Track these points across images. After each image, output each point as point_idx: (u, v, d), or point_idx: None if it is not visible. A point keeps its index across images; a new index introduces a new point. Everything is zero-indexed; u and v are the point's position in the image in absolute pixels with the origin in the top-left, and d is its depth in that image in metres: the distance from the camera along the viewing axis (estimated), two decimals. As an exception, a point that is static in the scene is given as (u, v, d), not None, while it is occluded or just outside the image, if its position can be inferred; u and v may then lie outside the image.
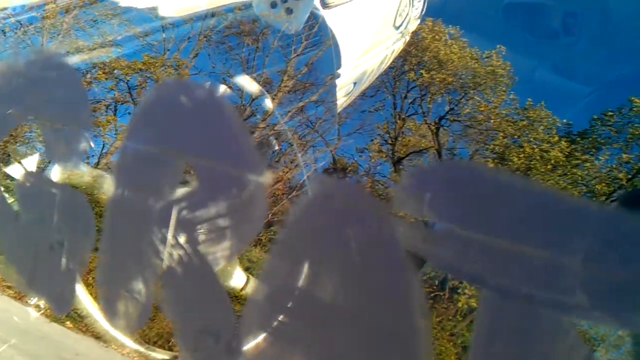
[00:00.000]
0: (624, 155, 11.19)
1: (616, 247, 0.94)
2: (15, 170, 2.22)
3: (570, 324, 0.98)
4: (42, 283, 2.06)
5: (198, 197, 1.69)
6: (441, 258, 1.17)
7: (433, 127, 12.64)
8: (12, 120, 2.16)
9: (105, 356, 6.73)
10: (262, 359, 1.45)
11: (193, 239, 1.69)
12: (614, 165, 11.28)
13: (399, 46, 7.59)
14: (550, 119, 11.81)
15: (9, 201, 2.18)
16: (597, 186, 11.12)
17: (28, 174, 2.11)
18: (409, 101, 13.22)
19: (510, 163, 11.48)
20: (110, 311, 1.90)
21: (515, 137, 11.89)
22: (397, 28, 6.78)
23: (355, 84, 5.58)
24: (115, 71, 12.15)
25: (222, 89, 2.08)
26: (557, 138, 11.46)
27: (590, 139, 11.70)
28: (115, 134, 11.95)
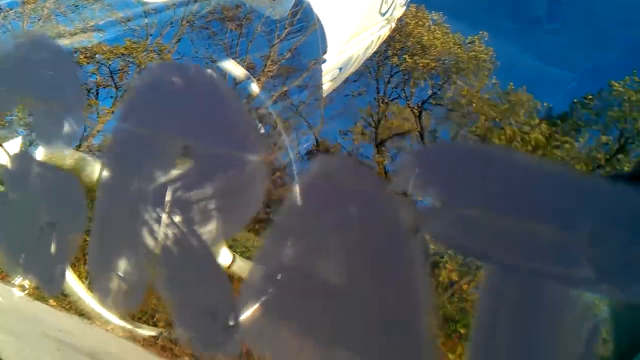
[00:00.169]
0: (603, 137, 11.38)
1: (623, 219, 0.99)
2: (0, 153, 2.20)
3: (576, 297, 1.02)
4: (32, 264, 2.07)
5: (194, 177, 1.70)
6: (446, 236, 1.21)
7: (416, 111, 12.70)
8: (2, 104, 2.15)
9: (89, 333, 6.70)
10: (260, 337, 1.48)
11: (189, 219, 1.71)
12: (593, 147, 11.47)
13: (385, 32, 7.60)
14: (531, 103, 11.93)
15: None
16: (576, 166, 11.31)
17: (16, 155, 2.11)
18: (392, 86, 13.26)
19: (486, 144, 11.58)
20: (103, 292, 1.92)
21: (497, 120, 11.99)
22: (383, 14, 6.79)
23: (340, 69, 5.59)
24: (97, 56, 11.98)
25: (208, 70, 2.10)
26: (537, 121, 11.59)
27: (571, 121, 11.87)
28: (96, 117, 11.82)
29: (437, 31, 12.46)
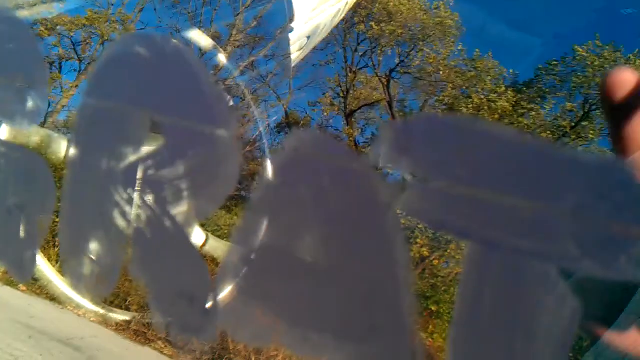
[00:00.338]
0: (568, 104, 11.58)
1: (607, 195, 0.93)
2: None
3: (558, 274, 0.97)
4: (1, 249, 1.93)
5: (165, 155, 1.60)
6: (425, 212, 1.13)
7: (384, 80, 12.64)
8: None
9: (61, 318, 6.60)
10: (237, 321, 1.40)
11: (161, 199, 1.60)
12: (558, 114, 11.67)
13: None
14: (497, 70, 12.01)
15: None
16: (542, 134, 11.50)
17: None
18: (360, 54, 13.15)
19: (459, 114, 11.66)
20: (75, 278, 1.80)
21: (464, 88, 12.06)
22: (351, -21, 6.63)
23: (308, 37, 5.45)
24: (58, 27, 11.53)
25: (175, 41, 1.95)
26: (504, 88, 11.69)
27: (536, 88, 12.02)
28: (60, 91, 11.45)
29: (403, -4, 12.36)
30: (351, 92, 13.12)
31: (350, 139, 12.51)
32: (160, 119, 1.61)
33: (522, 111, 11.58)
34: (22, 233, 1.90)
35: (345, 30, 12.94)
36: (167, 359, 6.59)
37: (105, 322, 6.46)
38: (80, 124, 1.81)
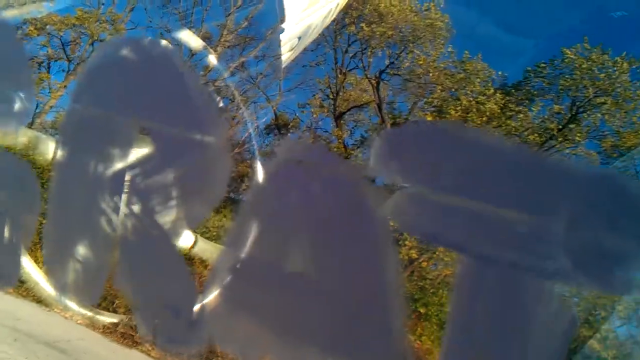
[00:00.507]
0: (556, 107, 11.63)
1: (600, 211, 0.94)
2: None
3: (553, 288, 0.98)
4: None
5: (154, 162, 1.58)
6: (418, 224, 1.14)
7: (374, 82, 12.63)
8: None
9: (48, 321, 6.54)
10: (226, 330, 1.39)
11: (149, 207, 1.59)
12: (546, 116, 11.72)
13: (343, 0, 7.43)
14: (486, 72, 12.05)
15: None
16: (530, 137, 11.56)
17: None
18: (350, 55, 13.12)
19: (448, 116, 11.71)
20: (60, 284, 1.78)
21: (453, 90, 12.09)
22: (342, -20, 6.61)
23: (299, 38, 5.45)
24: (47, 27, 11.39)
25: (164, 43, 1.96)
26: (492, 90, 11.74)
27: (524, 90, 12.07)
28: (49, 92, 11.31)
29: (393, -3, 12.37)
30: (341, 93, 13.10)
31: (340, 141, 12.49)
32: (149, 126, 1.61)
33: (510, 113, 11.63)
34: (6, 238, 1.89)
35: (336, 31, 12.93)
36: (154, 361, 6.55)
37: (92, 324, 6.41)
38: (68, 129, 1.81)
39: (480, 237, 0.95)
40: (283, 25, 5.29)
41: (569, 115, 11.37)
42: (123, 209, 1.49)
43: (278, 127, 13.24)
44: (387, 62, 12.64)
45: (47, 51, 12.00)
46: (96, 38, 11.22)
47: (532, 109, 11.83)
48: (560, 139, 11.34)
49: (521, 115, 11.69)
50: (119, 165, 1.48)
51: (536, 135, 11.51)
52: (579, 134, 11.34)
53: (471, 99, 11.62)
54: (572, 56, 11.32)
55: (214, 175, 1.39)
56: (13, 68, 1.73)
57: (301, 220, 1.23)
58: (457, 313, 1.02)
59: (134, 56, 1.49)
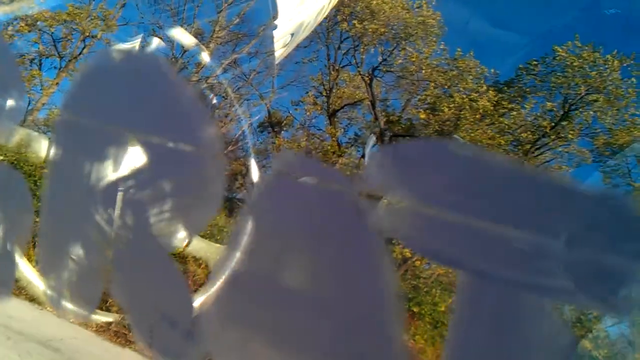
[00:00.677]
0: (548, 104, 11.70)
1: (601, 229, 0.94)
2: None
3: (552, 308, 0.98)
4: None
5: (147, 175, 1.58)
6: (416, 240, 1.14)
7: (367, 78, 12.64)
8: None
9: (41, 319, 6.51)
10: (223, 346, 1.39)
11: (143, 221, 1.59)
12: (538, 114, 11.78)
13: (337, -4, 7.41)
14: (478, 69, 12.08)
15: None
16: (522, 134, 11.62)
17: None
18: (343, 52, 13.12)
19: (441, 114, 11.73)
20: (57, 297, 1.78)
21: (446, 87, 12.11)
22: (335, -24, 6.58)
23: (292, 35, 5.41)
24: (38, 23, 11.28)
25: (156, 42, 1.94)
26: (485, 87, 11.77)
27: (517, 87, 12.12)
28: (40, 89, 11.23)
29: (385, -6, 12.35)
30: (334, 90, 13.10)
31: (333, 139, 12.50)
32: (141, 136, 1.57)
33: (503, 110, 11.67)
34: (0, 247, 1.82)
35: (328, 28, 12.93)
36: (148, 360, 6.54)
37: (85, 323, 6.38)
38: (60, 138, 1.76)
39: (480, 254, 0.96)
40: (276, 22, 5.26)
41: (561, 113, 11.43)
42: (116, 220, 1.48)
43: (271, 124, 13.24)
44: (379, 59, 12.65)
45: (39, 48, 11.90)
46: (88, 34, 11.14)
47: (525, 106, 11.89)
48: (552, 137, 11.41)
49: (514, 113, 11.76)
50: (111, 176, 1.47)
51: (529, 132, 11.58)
52: (571, 132, 11.41)
53: (464, 96, 11.66)
54: (563, 54, 11.38)
55: (209, 186, 1.38)
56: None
57: (297, 235, 1.23)
58: (457, 330, 1.02)
59: (125, 66, 1.48)
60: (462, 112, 11.39)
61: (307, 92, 13.44)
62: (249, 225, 1.33)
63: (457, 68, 12.08)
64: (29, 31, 11.32)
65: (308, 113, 13.47)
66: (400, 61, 12.59)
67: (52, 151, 1.67)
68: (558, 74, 11.60)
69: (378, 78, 12.80)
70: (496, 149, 10.59)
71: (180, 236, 1.56)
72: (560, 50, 11.44)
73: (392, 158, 1.18)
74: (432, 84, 12.16)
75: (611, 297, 0.93)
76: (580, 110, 11.46)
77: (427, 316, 8.15)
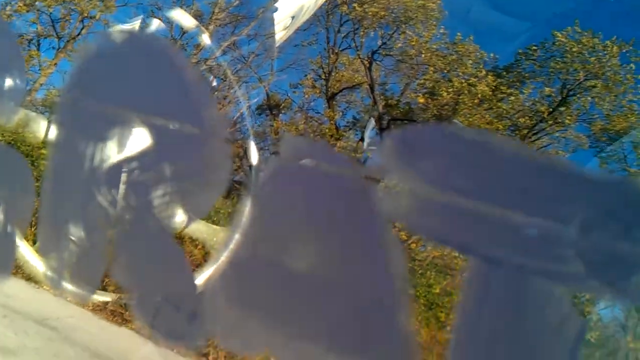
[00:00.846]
0: (547, 89, 11.69)
1: (614, 214, 0.95)
2: None
3: (564, 294, 0.98)
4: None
5: (152, 157, 1.57)
6: (426, 226, 1.14)
7: (366, 62, 12.57)
8: None
9: (37, 298, 6.54)
10: (228, 327, 1.40)
11: (147, 204, 1.59)
12: (536, 99, 11.78)
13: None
14: (478, 54, 12.05)
15: None
16: (520, 119, 11.63)
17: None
18: (342, 35, 13.03)
19: (439, 98, 11.72)
20: (58, 277, 1.78)
21: (445, 71, 12.08)
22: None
23: (293, 17, 5.37)
24: (37, 3, 11.14)
25: (155, 23, 1.93)
26: (484, 72, 11.75)
27: (515, 73, 12.11)
28: (39, 69, 11.12)
29: (386, -23, 12.24)
30: (333, 74, 13.03)
31: (332, 122, 12.47)
32: (148, 121, 1.57)
33: (502, 95, 11.67)
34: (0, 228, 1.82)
35: (328, 10, 12.81)
36: (144, 339, 6.59)
37: (82, 302, 6.41)
38: (63, 120, 1.75)
39: (490, 240, 0.96)
40: (276, 4, 5.21)
41: (560, 98, 11.44)
42: (120, 201, 1.48)
43: (270, 107, 13.18)
44: (379, 42, 12.57)
45: (37, 28, 11.78)
46: (86, 15, 11.02)
47: (523, 91, 11.88)
48: (550, 122, 11.42)
49: (512, 98, 11.74)
50: (115, 157, 1.46)
51: (527, 117, 11.58)
52: (568, 117, 11.42)
53: (463, 80, 11.63)
54: (563, 39, 11.35)
55: (214, 169, 1.38)
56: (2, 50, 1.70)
57: (303, 219, 1.23)
58: (465, 316, 1.02)
59: (130, 48, 1.47)
60: (460, 97, 11.38)
61: (305, 75, 13.39)
62: (255, 207, 1.33)
63: (456, 52, 12.04)
64: (27, 11, 11.20)
65: (306, 96, 13.43)
66: (399, 45, 12.52)
67: (55, 131, 1.66)
68: (557, 59, 11.60)
69: (377, 62, 12.74)
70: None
71: (184, 218, 1.56)
72: (560, 35, 11.42)
73: (400, 141, 1.18)
74: (432, 69, 12.12)
75: (624, 283, 0.94)
76: (578, 96, 11.47)
77: (421, 298, 8.21)
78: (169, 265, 1.60)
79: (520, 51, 12.15)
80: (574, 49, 11.24)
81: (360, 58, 12.78)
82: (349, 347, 1.23)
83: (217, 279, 1.43)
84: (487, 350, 1.06)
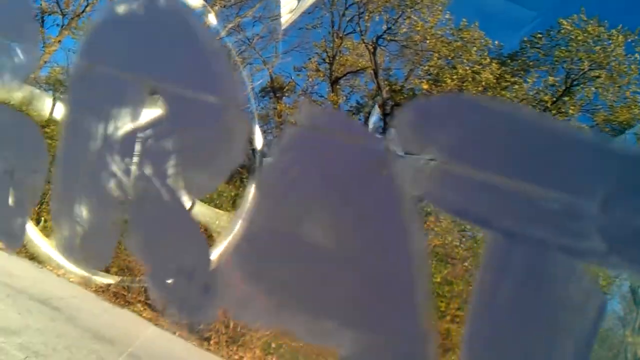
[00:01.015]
0: (550, 78, 11.63)
1: (637, 190, 0.93)
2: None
3: (584, 269, 0.97)
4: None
5: (167, 125, 1.55)
6: (445, 198, 1.12)
7: (370, 47, 12.48)
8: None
9: (41, 277, 6.57)
10: (241, 300, 1.39)
11: (162, 172, 1.57)
12: (540, 88, 11.73)
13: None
14: (482, 41, 11.96)
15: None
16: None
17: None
18: (347, 19, 12.93)
19: (443, 84, 11.66)
20: (69, 251, 1.77)
21: (449, 58, 12.00)
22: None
23: (299, 0, 5.33)
24: (41, -23, 11.04)
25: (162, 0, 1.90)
26: (488, 60, 11.68)
27: (520, 61, 12.03)
28: (43, 47, 11.03)
29: (391, -39, 12.13)
30: (337, 58, 12.95)
31: (335, 106, 12.41)
32: (163, 88, 1.54)
33: (506, 84, 11.61)
34: (11, 200, 1.82)
35: (333, -7, 12.71)
36: (146, 321, 6.63)
37: (85, 283, 6.44)
38: (75, 87, 1.72)
39: (510, 213, 0.94)
40: (283, -13, 5.17)
41: (563, 88, 11.38)
42: (134, 171, 1.45)
43: (274, 89, 13.12)
44: (384, 27, 12.48)
45: (41, 4, 11.67)
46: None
47: (527, 80, 11.82)
48: (553, 111, 11.37)
49: (516, 87, 11.69)
50: (129, 126, 1.44)
51: (530, 106, 11.53)
52: (572, 107, 11.38)
53: (467, 68, 11.56)
54: (568, 27, 11.25)
55: (231, 139, 1.35)
56: (18, 22, 1.67)
57: (320, 190, 1.20)
58: (483, 290, 1.01)
59: (146, 13, 1.44)
60: (464, 84, 11.32)
61: (309, 59, 13.31)
62: (272, 178, 1.31)
63: (461, 39, 11.96)
64: (31, -15, 11.06)
65: (310, 79, 13.36)
66: (404, 30, 12.42)
67: (69, 101, 1.64)
68: (562, 47, 11.52)
69: (382, 47, 12.66)
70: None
71: (200, 188, 1.54)
72: (566, 23, 11.32)
73: (420, 113, 1.16)
74: (436, 55, 12.05)
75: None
76: (582, 86, 11.41)
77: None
78: (183, 236, 1.59)
79: (525, 39, 12.06)
80: (579, 37, 11.16)
81: (364, 43, 12.70)
82: (364, 323, 1.22)
83: (232, 252, 1.42)
84: (506, 323, 1.05)
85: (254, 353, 6.38)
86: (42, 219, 5.89)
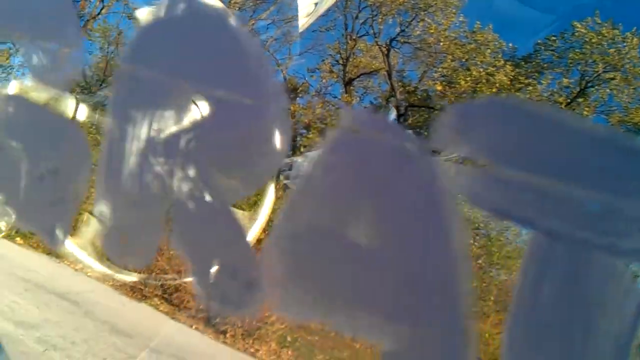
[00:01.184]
0: (565, 80, 11.62)
1: None
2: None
3: (624, 268, 1.00)
4: (33, 216, 1.94)
5: (211, 127, 1.60)
6: (487, 199, 1.17)
7: (384, 49, 12.53)
8: None
9: (58, 272, 6.66)
10: (283, 295, 1.43)
11: (206, 173, 1.62)
12: (555, 90, 11.72)
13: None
14: (496, 43, 11.97)
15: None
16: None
17: (8, 98, 1.93)
18: (360, 22, 12.98)
19: (457, 86, 11.67)
20: (112, 250, 1.82)
21: (463, 60, 12.02)
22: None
23: (316, 4, 5.38)
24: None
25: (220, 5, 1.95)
26: (502, 62, 11.68)
27: (534, 63, 12.03)
28: (59, 49, 11.11)
29: (405, -35, 12.16)
30: (351, 59, 13.01)
31: (349, 107, 12.46)
32: (206, 91, 1.60)
33: (520, 86, 11.61)
34: (54, 200, 1.88)
35: (347, -3, 12.77)
36: (163, 315, 6.70)
37: (102, 277, 6.52)
38: (120, 91, 1.78)
39: (552, 214, 0.97)
40: (301, -9, 5.22)
41: (578, 90, 11.38)
42: (178, 172, 1.50)
43: (287, 90, 13.19)
44: (397, 29, 12.51)
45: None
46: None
47: (542, 82, 11.82)
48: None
49: (530, 88, 11.68)
50: (173, 128, 1.48)
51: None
52: (587, 109, 11.37)
53: (481, 69, 11.58)
54: (582, 30, 11.26)
55: (273, 143, 1.40)
56: (62, 27, 1.72)
57: (363, 189, 1.24)
58: (525, 290, 1.04)
59: (188, 16, 1.49)
60: (478, 86, 11.33)
61: (323, 60, 13.37)
62: (317, 178, 1.36)
63: (475, 41, 11.97)
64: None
65: (324, 80, 13.42)
66: (418, 32, 12.46)
67: (113, 104, 1.69)
68: (576, 50, 11.51)
69: (395, 49, 12.69)
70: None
71: (244, 189, 1.59)
72: (580, 26, 11.32)
73: (461, 115, 1.20)
74: (450, 57, 12.07)
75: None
76: (597, 87, 11.40)
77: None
78: (226, 235, 1.64)
79: (539, 41, 12.07)
80: (593, 40, 11.16)
81: (378, 45, 12.74)
82: (406, 318, 1.26)
83: (274, 249, 1.47)
84: (547, 323, 1.09)
85: (270, 346, 6.44)
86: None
